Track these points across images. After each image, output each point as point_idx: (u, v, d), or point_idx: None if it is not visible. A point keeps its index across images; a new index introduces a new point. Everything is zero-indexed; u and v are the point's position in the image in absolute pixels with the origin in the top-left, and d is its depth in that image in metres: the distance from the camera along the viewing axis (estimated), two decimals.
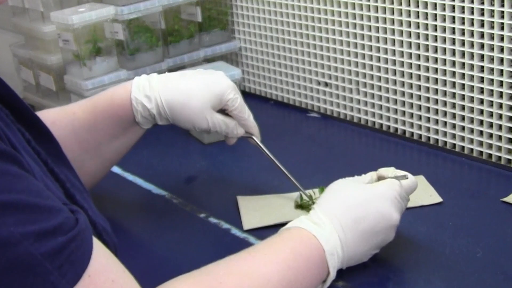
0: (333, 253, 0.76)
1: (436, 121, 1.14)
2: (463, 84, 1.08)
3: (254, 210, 0.99)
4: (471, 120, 1.09)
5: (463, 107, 1.10)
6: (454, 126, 1.12)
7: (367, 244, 0.80)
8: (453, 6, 1.05)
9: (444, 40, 1.08)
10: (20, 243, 0.53)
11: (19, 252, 0.53)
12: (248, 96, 1.45)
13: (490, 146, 1.07)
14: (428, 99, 1.14)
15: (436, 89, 1.12)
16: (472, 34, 1.04)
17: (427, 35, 1.10)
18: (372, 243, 0.80)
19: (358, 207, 0.79)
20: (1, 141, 0.58)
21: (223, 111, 0.96)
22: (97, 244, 0.61)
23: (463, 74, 1.07)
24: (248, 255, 0.73)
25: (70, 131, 0.94)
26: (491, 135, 1.07)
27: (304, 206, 0.97)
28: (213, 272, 0.70)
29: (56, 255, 0.55)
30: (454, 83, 1.09)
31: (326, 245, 0.76)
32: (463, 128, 1.10)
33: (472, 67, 1.06)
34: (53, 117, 0.94)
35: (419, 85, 1.15)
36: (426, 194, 0.99)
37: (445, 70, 1.10)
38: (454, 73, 1.09)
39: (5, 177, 0.55)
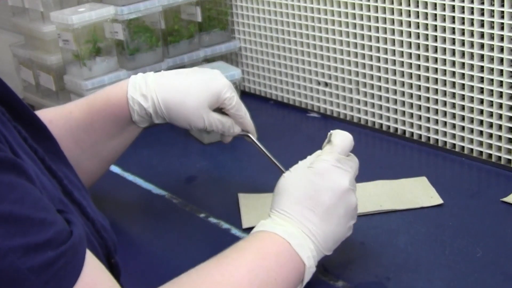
0: (302, 244, 0.76)
1: (436, 121, 1.14)
2: (463, 84, 1.08)
3: (254, 209, 0.99)
4: (471, 120, 1.09)
5: (463, 107, 1.10)
6: (454, 126, 1.12)
7: (333, 221, 0.79)
8: (453, 6, 1.05)
9: (444, 40, 1.08)
10: (6, 256, 0.52)
11: (5, 265, 0.52)
12: (248, 96, 1.45)
13: (490, 146, 1.07)
14: (428, 99, 1.14)
15: (436, 89, 1.12)
16: (472, 34, 1.04)
17: (427, 35, 1.10)
18: (337, 218, 0.79)
19: (305, 194, 0.79)
20: None
21: (219, 110, 0.97)
22: (89, 259, 0.59)
23: (463, 74, 1.07)
24: (217, 262, 0.73)
25: (67, 130, 0.94)
26: (491, 135, 1.07)
27: None
28: (186, 283, 0.70)
29: (43, 270, 0.54)
30: (454, 83, 1.09)
31: (291, 239, 0.76)
32: (463, 128, 1.10)
33: (472, 67, 1.06)
34: (50, 116, 0.94)
35: (419, 85, 1.15)
36: (427, 196, 0.99)
37: (445, 70, 1.10)
38: (454, 73, 1.09)
39: None
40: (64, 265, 0.56)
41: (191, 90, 0.94)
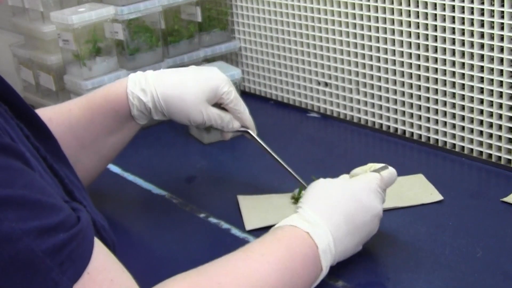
0: (326, 251, 0.77)
1: (436, 121, 1.14)
2: (463, 84, 1.08)
3: (256, 210, 0.99)
4: (471, 120, 1.09)
5: (463, 107, 1.10)
6: (454, 126, 1.12)
7: (357, 237, 0.80)
8: (453, 6, 1.05)
9: (444, 40, 1.08)
10: (21, 239, 0.53)
11: (20, 248, 0.53)
12: (248, 96, 1.45)
13: (490, 146, 1.07)
14: (428, 99, 1.14)
15: (436, 89, 1.12)
16: (472, 34, 1.04)
17: (427, 35, 1.10)
18: (361, 236, 0.81)
19: (345, 202, 0.80)
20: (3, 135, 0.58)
21: (218, 106, 0.98)
22: (97, 243, 0.61)
23: (463, 74, 1.07)
24: (244, 255, 0.73)
25: (67, 127, 0.95)
26: (491, 135, 1.07)
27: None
28: (210, 272, 0.70)
29: (57, 252, 0.55)
30: (454, 83, 1.09)
31: (320, 243, 0.76)
32: (463, 128, 1.10)
33: (472, 67, 1.06)
34: (49, 114, 0.95)
35: (419, 85, 1.15)
36: (426, 192, 0.99)
37: (445, 70, 1.10)
38: (454, 73, 1.09)
39: (8, 172, 0.55)
40: (76, 248, 0.57)
41: (189, 85, 0.95)
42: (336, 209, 0.80)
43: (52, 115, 0.95)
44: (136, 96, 0.95)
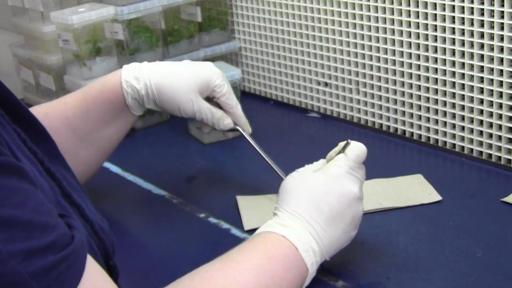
0: (307, 250, 0.76)
1: (436, 121, 1.14)
2: (463, 84, 1.08)
3: (255, 210, 0.99)
4: (471, 120, 1.09)
5: (463, 107, 1.10)
6: (454, 126, 1.12)
7: (339, 227, 0.79)
8: (453, 6, 1.05)
9: (444, 40, 1.08)
10: (7, 261, 0.52)
11: (6, 270, 0.52)
12: (248, 96, 1.45)
13: (490, 146, 1.07)
14: (428, 99, 1.14)
15: (436, 89, 1.12)
16: (472, 34, 1.04)
17: (427, 35, 1.10)
18: (343, 224, 0.79)
19: (316, 197, 0.79)
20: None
21: (211, 102, 0.99)
22: (90, 263, 0.59)
23: (463, 74, 1.07)
24: (221, 265, 0.72)
25: (63, 120, 0.96)
26: (491, 135, 1.07)
27: None
28: (189, 286, 0.69)
29: (45, 274, 0.54)
30: (454, 83, 1.09)
31: (298, 243, 0.75)
32: (463, 128, 1.10)
33: (472, 67, 1.06)
34: (45, 109, 0.95)
35: (419, 85, 1.15)
36: (425, 193, 0.99)
37: (445, 70, 1.10)
38: (454, 73, 1.09)
39: (0, 191, 0.53)
40: (65, 270, 0.55)
41: (182, 75, 0.97)
42: (308, 206, 0.78)
43: (48, 110, 0.96)
44: (130, 84, 0.96)
